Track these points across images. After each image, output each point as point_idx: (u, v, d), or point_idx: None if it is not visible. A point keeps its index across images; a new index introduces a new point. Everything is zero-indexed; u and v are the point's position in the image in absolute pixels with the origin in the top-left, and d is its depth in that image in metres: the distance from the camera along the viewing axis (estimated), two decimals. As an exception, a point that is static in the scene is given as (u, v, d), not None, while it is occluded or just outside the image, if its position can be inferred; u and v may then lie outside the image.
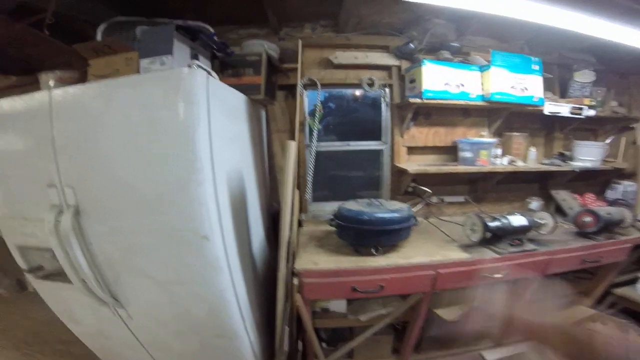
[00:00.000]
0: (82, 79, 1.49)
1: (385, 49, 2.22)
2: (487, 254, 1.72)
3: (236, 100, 1.59)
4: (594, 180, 2.41)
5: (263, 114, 2.13)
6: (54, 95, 1.22)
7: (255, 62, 1.77)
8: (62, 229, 1.23)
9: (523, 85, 2.04)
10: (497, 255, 1.70)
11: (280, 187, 2.37)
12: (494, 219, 1.77)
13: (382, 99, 2.27)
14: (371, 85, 2.17)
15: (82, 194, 1.24)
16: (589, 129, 2.41)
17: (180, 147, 1.11)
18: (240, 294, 1.45)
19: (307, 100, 2.27)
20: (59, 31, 2.05)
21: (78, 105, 1.19)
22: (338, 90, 2.32)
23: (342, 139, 2.34)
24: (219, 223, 1.26)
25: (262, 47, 1.87)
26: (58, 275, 1.46)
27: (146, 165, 1.14)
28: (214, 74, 1.27)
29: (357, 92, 2.32)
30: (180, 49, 1.33)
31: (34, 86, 1.36)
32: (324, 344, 2.11)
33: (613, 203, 2.24)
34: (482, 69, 2.06)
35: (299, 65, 1.63)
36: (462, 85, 2.02)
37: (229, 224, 1.37)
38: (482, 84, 2.06)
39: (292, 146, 1.40)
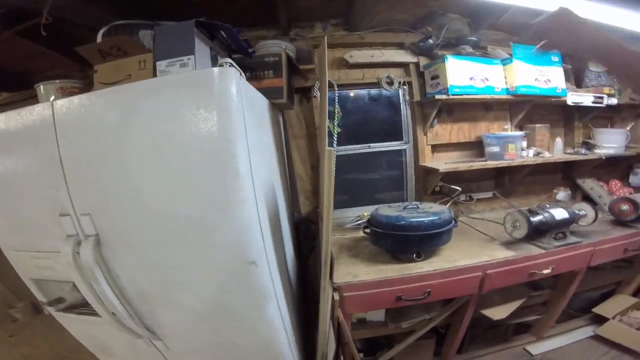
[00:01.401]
0: (86, 89, 1.21)
1: (400, 45, 2.01)
2: (532, 250, 1.55)
3: (262, 104, 1.34)
4: (616, 167, 2.25)
5: (281, 119, 1.88)
6: (57, 107, 0.94)
7: (275, 63, 1.52)
8: (83, 261, 0.96)
9: (546, 77, 1.88)
10: (543, 251, 1.54)
11: (299, 197, 2.13)
12: (536, 213, 1.59)
13: (402, 97, 2.05)
14: (390, 83, 1.95)
15: (103, 221, 0.97)
16: (606, 117, 2.25)
17: (219, 163, 0.86)
18: (285, 318, 1.22)
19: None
20: (54, 41, 1.76)
21: (87, 118, 0.92)
22: (354, 90, 2.10)
23: (361, 142, 2.11)
24: (263, 245, 1.01)
25: (280, 47, 1.63)
26: (83, 307, 1.20)
27: (178, 186, 0.88)
28: (242, 74, 1.02)
29: (373, 92, 2.10)
30: (201, 48, 1.07)
31: (28, 102, 1.09)
32: (361, 355, 1.89)
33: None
34: (505, 62, 1.89)
35: (325, 63, 1.39)
36: (487, 79, 1.84)
37: (270, 244, 1.12)
38: (505, 77, 1.89)
39: (331, 153, 1.15)
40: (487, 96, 1.86)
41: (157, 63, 0.98)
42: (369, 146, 2.11)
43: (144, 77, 1.03)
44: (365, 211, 2.08)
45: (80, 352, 2.06)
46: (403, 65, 2.03)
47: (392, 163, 2.18)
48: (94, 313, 1.12)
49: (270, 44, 1.69)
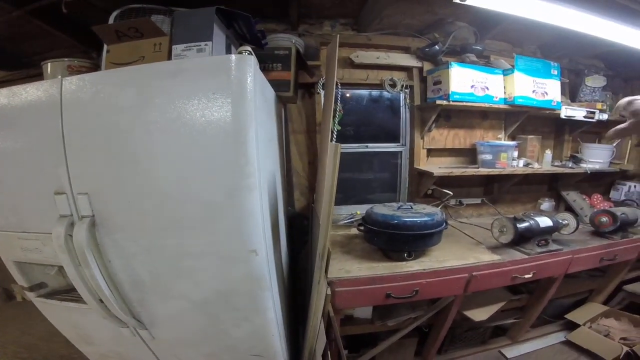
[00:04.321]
0: (95, 69, 1.20)
1: (405, 49, 2.05)
2: (516, 255, 1.63)
3: (270, 96, 1.35)
4: (599, 182, 2.37)
5: (283, 113, 1.90)
6: (65, 84, 0.93)
7: (284, 56, 1.54)
8: (75, 243, 0.94)
9: (544, 89, 1.95)
10: (526, 256, 1.61)
11: (295, 192, 2.15)
12: (522, 220, 1.66)
13: (404, 100, 2.10)
14: (393, 86, 1.99)
15: (100, 202, 0.95)
16: (594, 132, 2.35)
17: (230, 149, 0.87)
18: (278, 310, 1.23)
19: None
20: (61, 22, 1.72)
21: (98, 97, 0.91)
22: (356, 90, 2.12)
23: (359, 141, 2.14)
24: (264, 235, 1.02)
25: (290, 41, 1.65)
26: (65, 293, 1.19)
27: (189, 170, 0.89)
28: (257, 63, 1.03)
29: (374, 93, 2.14)
30: (218, 36, 1.07)
31: (26, 81, 1.06)
32: (345, 351, 1.93)
33: (621, 203, 2.18)
34: (506, 72, 1.95)
35: (335, 61, 1.42)
36: (487, 88, 1.90)
37: (269, 235, 1.13)
38: (505, 87, 1.95)
39: (337, 148, 1.17)
40: (486, 105, 1.91)
41: (174, 47, 0.99)
42: (367, 146, 2.15)
43: (157, 60, 1.03)
44: (358, 209, 2.13)
45: (52, 341, 2.09)
46: (406, 69, 2.07)
47: (387, 164, 2.23)
48: (78, 300, 1.09)
49: (280, 37, 1.70)
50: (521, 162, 2.05)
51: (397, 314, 1.75)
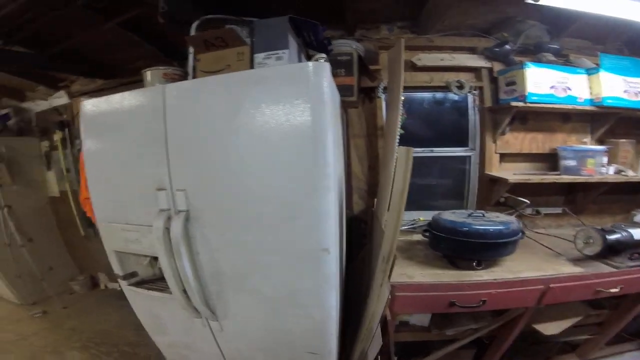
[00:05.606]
0: (184, 76, 1.36)
1: (471, 50, 1.99)
2: (602, 267, 1.49)
3: (337, 100, 1.41)
4: None
5: (345, 117, 1.95)
6: (167, 91, 1.07)
7: (346, 62, 1.61)
8: (172, 235, 1.07)
9: (637, 89, 1.77)
10: (614, 270, 1.47)
11: (353, 195, 2.18)
12: (612, 231, 1.51)
13: (473, 103, 2.02)
14: (460, 87, 1.94)
15: (195, 199, 1.08)
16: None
17: (311, 152, 0.93)
18: (338, 308, 1.26)
19: (385, 104, 2.07)
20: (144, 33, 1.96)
21: (195, 103, 1.04)
22: (418, 93, 2.10)
23: (423, 145, 2.10)
24: (335, 234, 1.07)
25: (350, 47, 1.70)
26: (151, 282, 1.34)
27: (273, 171, 0.97)
28: (330, 70, 1.09)
29: (438, 95, 2.09)
30: (292, 44, 1.16)
31: (119, 89, 1.23)
32: (396, 358, 1.90)
33: None
34: (590, 72, 1.80)
35: (401, 64, 1.43)
36: (569, 88, 1.77)
37: (337, 235, 1.18)
38: (590, 87, 1.80)
39: (408, 152, 1.15)
40: (569, 106, 1.79)
41: (255, 55, 1.09)
42: (432, 150, 2.10)
43: (241, 68, 1.14)
44: (421, 216, 2.08)
45: (124, 328, 2.30)
46: (474, 70, 2.00)
47: (453, 170, 2.15)
48: (163, 289, 1.22)
49: (340, 43, 1.77)
50: (612, 169, 1.85)
51: (457, 324, 1.68)
